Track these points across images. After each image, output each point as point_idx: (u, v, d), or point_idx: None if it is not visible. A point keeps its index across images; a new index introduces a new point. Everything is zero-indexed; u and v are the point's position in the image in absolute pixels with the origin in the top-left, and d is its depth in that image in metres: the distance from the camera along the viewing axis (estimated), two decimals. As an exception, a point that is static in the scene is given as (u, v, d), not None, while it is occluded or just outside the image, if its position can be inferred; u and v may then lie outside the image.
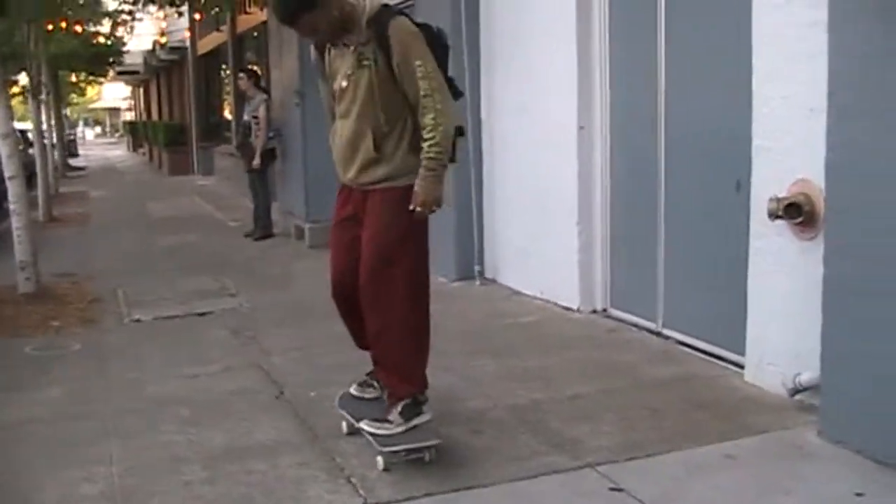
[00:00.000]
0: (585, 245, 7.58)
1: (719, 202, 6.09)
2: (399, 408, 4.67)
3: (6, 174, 9.76)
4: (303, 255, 11.74)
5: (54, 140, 27.20)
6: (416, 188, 4.63)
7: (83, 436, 5.35)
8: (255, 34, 18.17)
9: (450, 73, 4.87)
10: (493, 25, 8.78)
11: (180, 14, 14.84)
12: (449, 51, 4.94)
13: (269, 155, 13.41)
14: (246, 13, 18.36)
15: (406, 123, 4.71)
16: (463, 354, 6.57)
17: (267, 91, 14.04)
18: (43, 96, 21.50)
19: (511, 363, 6.33)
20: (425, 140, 4.57)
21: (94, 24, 23.56)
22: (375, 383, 5.11)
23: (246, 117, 13.55)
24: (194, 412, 5.65)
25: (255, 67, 16.21)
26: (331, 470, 4.66)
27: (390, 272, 4.66)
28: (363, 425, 4.74)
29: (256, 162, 13.22)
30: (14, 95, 31.77)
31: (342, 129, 4.83)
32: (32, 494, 4.58)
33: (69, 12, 20.30)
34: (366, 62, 4.62)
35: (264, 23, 15.64)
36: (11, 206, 9.72)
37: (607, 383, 5.81)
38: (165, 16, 23.95)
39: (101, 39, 26.68)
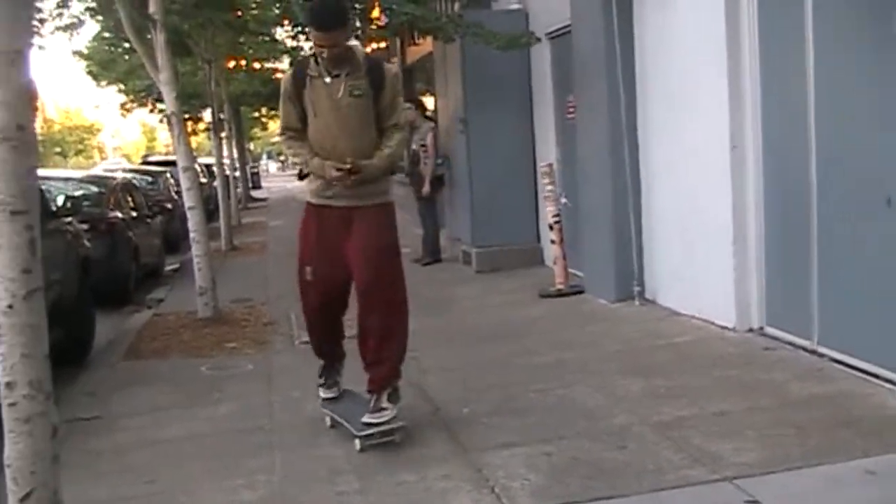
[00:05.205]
0: (740, 264, 7.57)
1: (871, 218, 6.05)
2: (386, 395, 5.62)
3: (186, 205, 10.33)
4: (468, 279, 11.98)
5: (237, 173, 28.29)
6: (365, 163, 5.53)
7: (248, 448, 5.73)
8: (426, 64, 18.60)
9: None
10: (645, 48, 8.88)
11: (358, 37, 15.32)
12: None
13: (437, 182, 13.69)
14: (415, 44, 18.83)
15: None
16: (614, 373, 6.71)
17: (434, 119, 14.39)
18: (224, 133, 22.41)
19: (660, 382, 6.41)
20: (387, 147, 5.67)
21: (274, 62, 24.47)
22: (337, 379, 6.13)
23: (414, 146, 13.84)
24: (352, 427, 5.94)
25: (422, 97, 16.59)
26: (476, 481, 4.87)
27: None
28: (367, 419, 5.53)
29: (426, 189, 13.53)
30: (200, 132, 33.29)
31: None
32: (197, 499, 4.95)
33: (250, 51, 21.20)
34: (357, 93, 5.51)
35: (431, 53, 16.03)
36: (191, 235, 10.29)
37: (754, 401, 5.84)
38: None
39: (280, 76, 27.66)
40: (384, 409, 5.57)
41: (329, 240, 5.69)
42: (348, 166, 5.43)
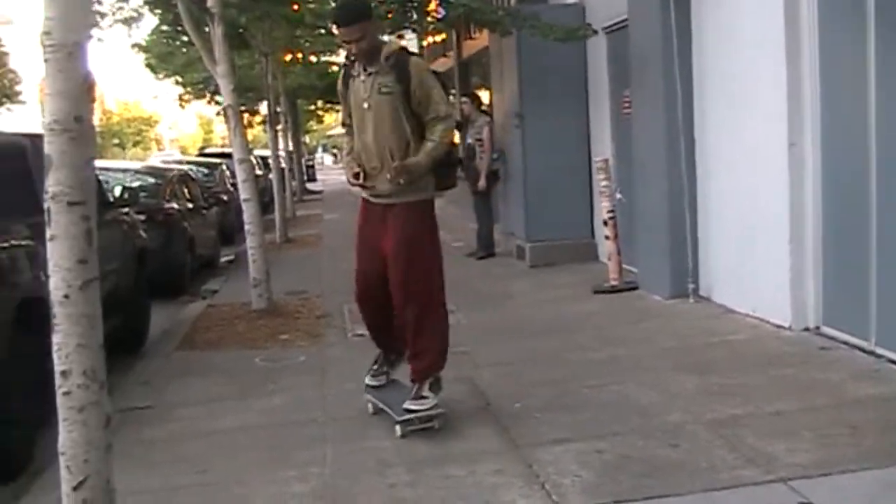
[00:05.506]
0: (797, 262, 7.47)
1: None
2: (428, 385, 5.71)
3: (242, 197, 10.41)
4: (522, 274, 11.95)
5: (292, 166, 28.42)
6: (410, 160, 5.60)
7: (300, 440, 5.77)
8: (482, 59, 18.54)
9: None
10: (703, 45, 8.79)
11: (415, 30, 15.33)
12: None
13: (492, 176, 13.66)
14: (471, 38, 18.80)
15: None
16: (667, 370, 6.65)
17: (489, 114, 14.36)
18: (280, 125, 22.51)
19: (714, 380, 6.35)
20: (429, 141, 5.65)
21: (330, 55, 24.54)
22: (386, 370, 6.19)
23: (469, 140, 13.81)
24: (404, 420, 5.95)
25: (477, 91, 16.54)
26: (526, 477, 4.85)
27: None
28: (408, 405, 5.64)
29: (482, 184, 13.49)
30: (256, 125, 33.50)
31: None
32: (250, 490, 4.98)
33: (306, 44, 21.28)
34: (385, 90, 5.55)
35: (487, 47, 15.99)
36: (246, 227, 10.37)
37: (810, 401, 5.75)
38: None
39: (336, 69, 27.78)
40: (425, 397, 5.68)
41: (369, 234, 5.81)
42: (357, 170, 5.65)
